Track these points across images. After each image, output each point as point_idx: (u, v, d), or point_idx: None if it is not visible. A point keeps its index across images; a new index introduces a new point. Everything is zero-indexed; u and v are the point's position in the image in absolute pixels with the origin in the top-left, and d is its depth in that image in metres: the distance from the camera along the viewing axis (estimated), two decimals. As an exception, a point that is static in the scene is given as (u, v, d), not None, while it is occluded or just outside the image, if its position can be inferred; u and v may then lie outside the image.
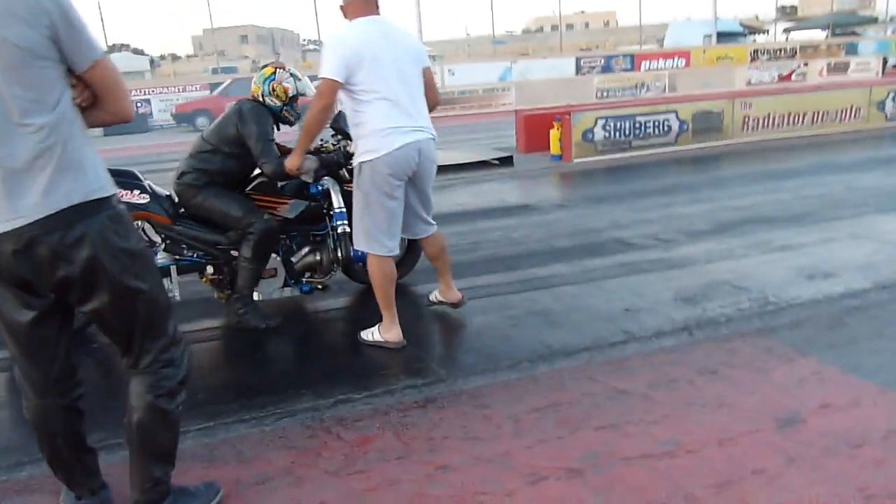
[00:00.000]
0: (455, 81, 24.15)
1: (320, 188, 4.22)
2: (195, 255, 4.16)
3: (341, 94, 3.43)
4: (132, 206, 3.98)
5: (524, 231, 5.97)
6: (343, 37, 3.39)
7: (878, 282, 4.23)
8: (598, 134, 9.80)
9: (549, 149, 10.04)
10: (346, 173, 4.25)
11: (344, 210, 4.14)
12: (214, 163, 4.04)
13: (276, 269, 4.29)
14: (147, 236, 4.16)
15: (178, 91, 22.45)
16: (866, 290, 4.10)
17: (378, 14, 3.49)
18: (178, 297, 4.11)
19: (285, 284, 4.33)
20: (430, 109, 3.66)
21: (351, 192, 4.21)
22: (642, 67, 26.32)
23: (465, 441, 2.72)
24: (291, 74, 4.15)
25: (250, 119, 3.97)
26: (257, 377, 3.47)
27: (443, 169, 9.12)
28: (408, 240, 4.73)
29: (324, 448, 2.73)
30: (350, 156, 4.28)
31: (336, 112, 4.43)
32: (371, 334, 3.71)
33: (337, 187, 4.20)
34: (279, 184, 4.20)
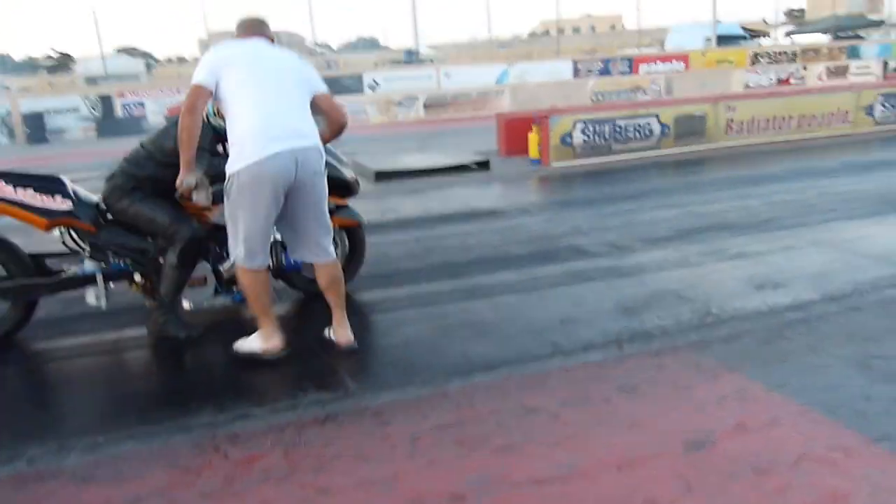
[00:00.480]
0: (450, 84, 24.08)
1: None
2: (122, 263, 4.03)
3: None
4: (54, 212, 3.86)
5: (481, 237, 5.82)
6: (216, 48, 3.38)
7: (827, 293, 4.06)
8: (577, 138, 9.64)
9: (529, 153, 9.91)
10: None
11: None
12: (146, 168, 3.92)
13: (205, 276, 4.15)
14: (73, 243, 4.05)
15: (174, 93, 22.38)
16: (813, 302, 3.93)
17: (264, 38, 3.45)
18: (104, 307, 4.00)
19: (216, 293, 4.19)
20: (338, 132, 3.56)
21: None
22: (640, 70, 26.14)
23: (355, 461, 2.58)
24: None
25: None
26: (164, 389, 3.34)
27: (418, 173, 9.03)
28: (348, 243, 4.61)
29: (206, 468, 2.59)
30: None
31: None
32: (247, 345, 3.52)
33: None
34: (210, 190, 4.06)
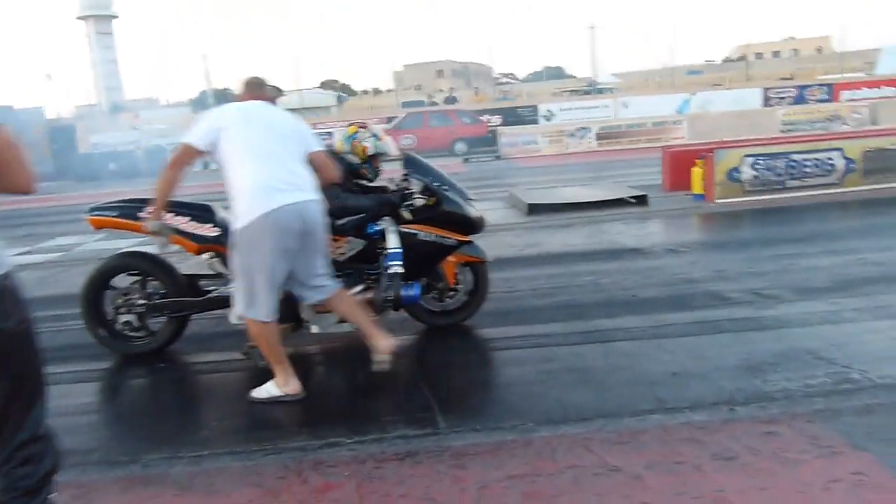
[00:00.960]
0: (627, 114, 23.53)
1: (377, 228, 4.30)
2: None
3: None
4: (203, 238, 4.29)
5: (617, 277, 5.62)
6: (217, 110, 3.55)
7: None
8: (746, 173, 9.00)
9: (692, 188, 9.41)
10: (406, 214, 4.29)
11: (399, 251, 4.18)
12: None
13: None
14: (220, 267, 4.47)
15: (359, 124, 23.99)
16: None
17: (267, 100, 3.61)
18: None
19: (341, 320, 4.40)
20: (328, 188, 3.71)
21: (409, 234, 4.26)
22: (842, 97, 23.84)
23: (420, 503, 2.60)
24: (372, 135, 4.41)
25: None
26: (269, 411, 3.56)
27: (572, 207, 8.92)
28: (472, 279, 4.65)
29: (285, 491, 2.74)
30: (408, 197, 4.35)
31: (405, 156, 4.52)
32: (265, 392, 3.58)
33: (393, 227, 4.25)
34: (338, 222, 4.31)
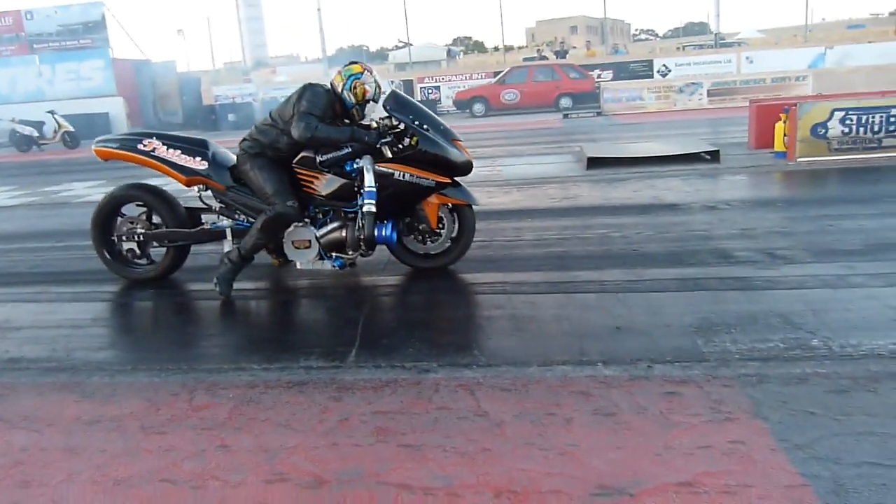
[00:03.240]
0: (750, 69, 21.77)
1: (355, 166, 4.24)
2: (246, 221, 4.49)
3: None
4: (192, 171, 4.44)
5: (629, 231, 5.26)
6: None
7: None
8: (835, 129, 8.07)
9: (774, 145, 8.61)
10: (386, 151, 4.19)
11: (374, 189, 4.12)
12: (269, 135, 4.28)
13: (309, 241, 4.36)
14: (203, 201, 4.61)
15: (465, 79, 23.79)
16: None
17: None
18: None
19: (320, 257, 4.42)
20: None
21: (384, 173, 4.18)
22: None
23: (277, 427, 2.60)
24: (375, 80, 4.30)
25: (306, 98, 4.16)
26: (202, 338, 3.66)
27: (635, 162, 8.47)
28: (459, 222, 4.50)
29: (167, 406, 2.83)
30: (386, 133, 4.24)
31: (388, 92, 4.39)
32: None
33: (370, 166, 4.17)
34: (318, 159, 4.30)
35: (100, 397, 2.96)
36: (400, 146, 4.27)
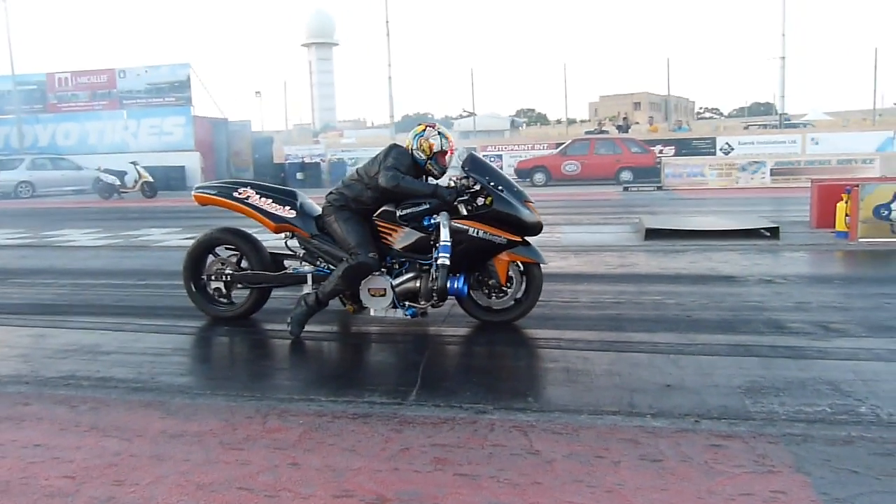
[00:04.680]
0: (816, 150, 21.70)
1: (432, 221, 4.55)
2: (327, 268, 4.78)
3: None
4: (280, 218, 4.80)
5: (684, 299, 5.40)
6: None
7: None
8: (899, 211, 8.08)
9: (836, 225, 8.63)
10: (462, 209, 4.52)
11: (449, 244, 4.38)
12: (355, 190, 4.65)
13: (385, 289, 4.58)
14: (288, 247, 4.97)
15: (528, 149, 24.38)
16: None
17: None
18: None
19: (394, 305, 4.62)
20: None
21: (460, 229, 4.46)
22: None
23: (342, 451, 2.83)
24: (439, 133, 4.70)
25: (392, 156, 4.57)
26: (278, 371, 3.95)
27: (694, 235, 8.60)
28: (527, 280, 4.72)
29: (242, 427, 3.10)
30: (463, 192, 4.53)
31: (466, 154, 4.73)
32: None
33: (446, 221, 4.45)
34: (398, 213, 4.61)
35: (182, 415, 3.26)
36: (475, 204, 4.57)
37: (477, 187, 4.58)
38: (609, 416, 3.14)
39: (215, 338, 4.79)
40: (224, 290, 5.02)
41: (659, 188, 18.56)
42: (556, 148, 23.16)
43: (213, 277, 5.02)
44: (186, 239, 9.93)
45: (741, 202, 14.12)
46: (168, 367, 4.04)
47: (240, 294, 5.04)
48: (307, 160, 24.56)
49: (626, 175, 20.93)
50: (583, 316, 5.02)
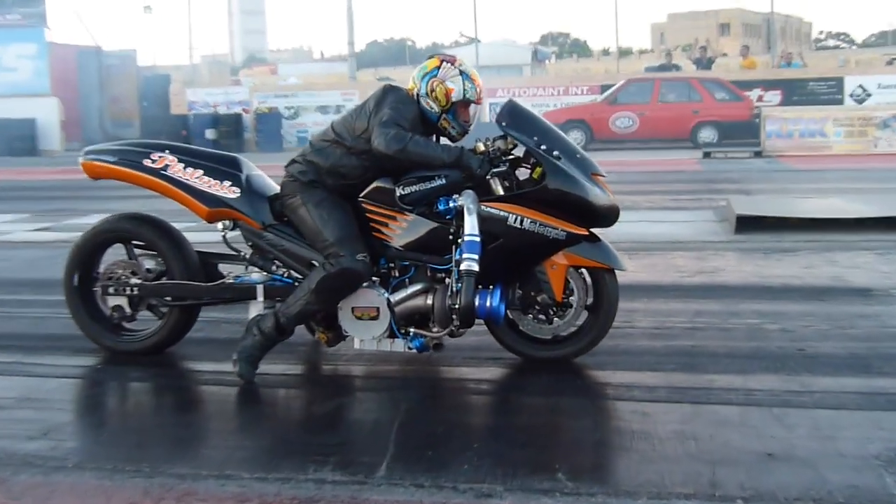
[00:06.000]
0: None
1: (451, 205, 4.41)
2: (287, 275, 4.70)
3: None
4: (216, 200, 4.72)
5: (793, 323, 5.48)
6: None
7: None
8: None
9: None
10: (496, 186, 4.44)
11: (477, 240, 4.22)
12: (331, 157, 4.54)
13: (378, 308, 4.47)
14: (228, 244, 4.86)
15: (558, 94, 24.50)
16: None
17: None
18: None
19: (391, 334, 4.51)
20: None
21: (494, 216, 4.35)
22: None
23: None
24: (461, 73, 4.56)
25: (388, 104, 4.44)
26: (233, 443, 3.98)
27: (804, 225, 8.69)
28: (596, 293, 4.62)
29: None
30: (498, 161, 4.43)
31: (506, 105, 4.65)
32: None
33: (474, 205, 4.32)
34: (399, 192, 4.51)
35: (28, 501, 3.26)
36: (517, 179, 4.55)
37: (520, 153, 4.54)
38: (679, 500, 3.18)
39: (96, 382, 4.83)
40: (128, 310, 4.97)
41: (757, 154, 18.76)
42: (602, 93, 23.28)
43: (111, 290, 4.93)
44: (39, 231, 9.95)
45: (881, 176, 14.26)
46: (11, 427, 4.06)
47: (146, 315, 5.01)
48: (222, 110, 24.57)
49: (706, 134, 21.10)
50: (641, 349, 5.08)
